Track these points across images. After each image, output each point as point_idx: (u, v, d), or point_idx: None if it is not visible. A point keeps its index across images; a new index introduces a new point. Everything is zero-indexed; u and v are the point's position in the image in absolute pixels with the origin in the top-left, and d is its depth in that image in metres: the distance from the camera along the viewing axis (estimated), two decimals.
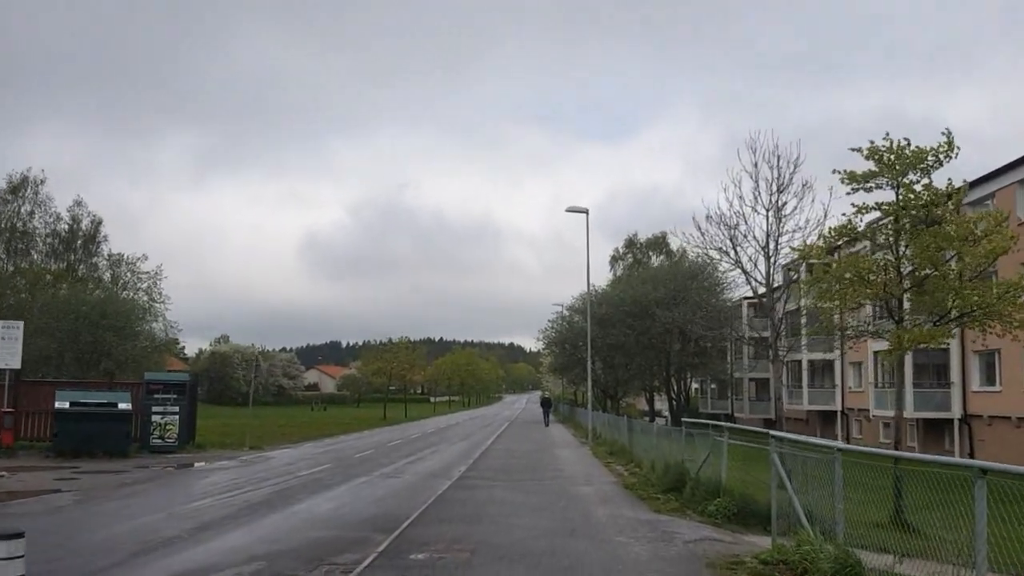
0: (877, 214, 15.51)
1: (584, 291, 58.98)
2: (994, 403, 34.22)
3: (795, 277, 20.18)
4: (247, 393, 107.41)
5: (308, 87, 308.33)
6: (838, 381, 50.20)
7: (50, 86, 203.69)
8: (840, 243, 16.32)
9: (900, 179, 14.48)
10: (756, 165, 21.42)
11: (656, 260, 75.49)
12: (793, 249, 16.78)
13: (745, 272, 21.75)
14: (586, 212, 34.50)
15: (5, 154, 72.67)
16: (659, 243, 78.38)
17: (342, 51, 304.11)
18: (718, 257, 22.02)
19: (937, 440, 38.52)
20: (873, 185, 14.70)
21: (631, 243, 79.94)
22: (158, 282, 50.13)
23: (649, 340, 53.82)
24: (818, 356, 46.50)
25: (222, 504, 14.72)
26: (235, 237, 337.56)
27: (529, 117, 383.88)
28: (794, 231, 21.07)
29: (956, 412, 36.83)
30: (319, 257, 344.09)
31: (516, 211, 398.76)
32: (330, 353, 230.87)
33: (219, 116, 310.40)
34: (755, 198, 21.64)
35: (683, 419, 15.89)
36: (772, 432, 10.36)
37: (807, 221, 20.75)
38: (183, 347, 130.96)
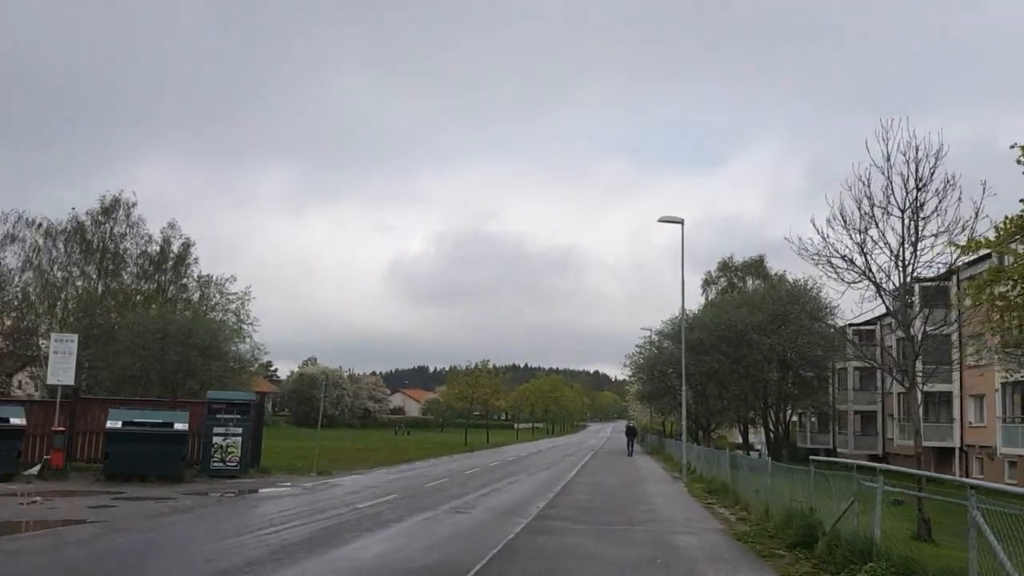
0: None
1: (674, 316, 55.96)
2: None
3: (954, 279, 16.38)
4: (332, 415, 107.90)
5: (399, 124, 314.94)
6: (956, 415, 45.52)
7: (157, 120, 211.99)
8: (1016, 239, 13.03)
9: None
10: (889, 158, 18.34)
11: (752, 285, 71.60)
12: (954, 245, 13.42)
13: (876, 284, 18.58)
14: (681, 222, 31.62)
15: (112, 184, 73.72)
16: (756, 267, 74.48)
17: (435, 89, 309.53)
18: (844, 266, 18.87)
19: None
20: None
21: (725, 266, 76.13)
22: (246, 303, 49.87)
23: (745, 368, 50.34)
24: (935, 388, 42.07)
25: (254, 544, 12.46)
26: (328, 265, 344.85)
27: (614, 148, 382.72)
28: (936, 234, 17.91)
29: None
30: (409, 285, 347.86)
31: (600, 241, 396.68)
32: (416, 378, 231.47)
33: (316, 151, 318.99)
34: (887, 198, 18.56)
35: (811, 458, 12.87)
36: (969, 481, 7.49)
37: (953, 223, 17.57)
38: (275, 369, 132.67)
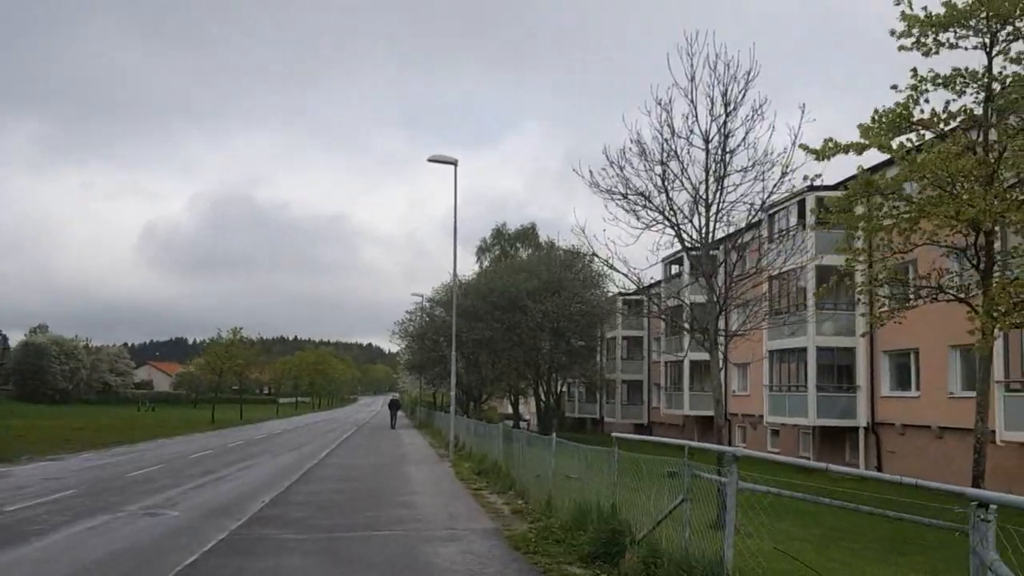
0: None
1: (447, 282, 52.79)
2: (909, 409, 29.90)
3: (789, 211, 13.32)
4: (65, 389, 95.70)
5: (156, 82, 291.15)
6: (713, 383, 45.56)
7: None
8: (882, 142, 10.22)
9: (995, 31, 8.71)
10: (693, 78, 15.39)
11: (525, 253, 69.86)
12: (806, 149, 10.48)
13: (675, 225, 15.69)
14: (454, 163, 27.91)
15: None
16: (528, 235, 72.84)
17: (198, 49, 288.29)
18: (641, 204, 15.81)
19: (837, 451, 34.14)
20: (947, 40, 8.91)
21: (499, 234, 73.85)
22: None
23: (519, 336, 47.89)
24: (703, 356, 41.57)
25: None
26: (76, 231, 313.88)
27: (388, 121, 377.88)
28: (744, 169, 15.23)
29: (862, 420, 32.44)
30: (167, 254, 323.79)
31: (374, 213, 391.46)
32: (174, 351, 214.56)
33: (61, 106, 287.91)
34: (688, 127, 15.66)
35: (616, 435, 9.43)
36: (981, 493, 4.23)
37: (766, 154, 14.93)
38: (4, 337, 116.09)
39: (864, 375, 32.48)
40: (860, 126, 9.01)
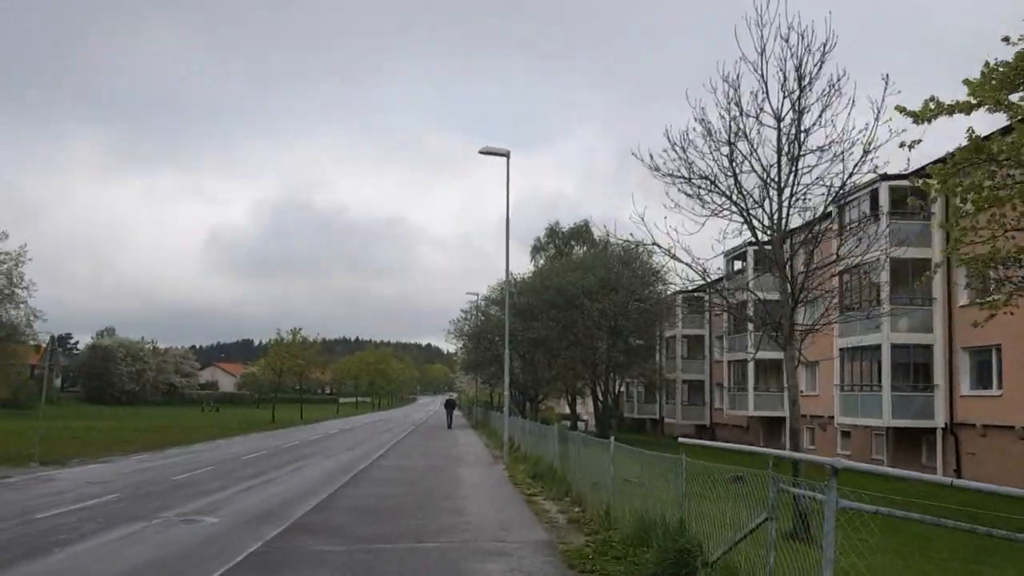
0: None
1: (502, 280, 51.92)
2: (991, 409, 28.03)
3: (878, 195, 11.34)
4: (132, 391, 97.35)
5: (216, 88, 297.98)
6: (788, 383, 43.70)
7: None
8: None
9: None
10: (763, 51, 14.14)
11: (579, 251, 68.48)
12: (902, 110, 9.00)
13: (743, 211, 14.47)
14: (507, 155, 26.97)
15: None
16: (582, 233, 71.15)
17: (259, 53, 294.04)
18: (706, 188, 14.63)
19: (912, 454, 32.32)
20: None
21: (553, 232, 72.49)
22: (20, 264, 41.40)
23: (575, 335, 46.77)
24: (768, 355, 39.97)
25: None
26: (142, 235, 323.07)
27: (441, 123, 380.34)
28: (821, 148, 13.95)
29: (940, 420, 30.59)
30: (232, 257, 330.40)
31: (432, 214, 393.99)
32: (240, 352, 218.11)
33: (126, 112, 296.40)
34: (759, 104, 14.41)
35: (681, 439, 8.34)
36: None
37: (845, 132, 13.61)
38: (75, 342, 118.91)
39: (942, 373, 30.65)
40: (967, 81, 7.78)
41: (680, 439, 8.54)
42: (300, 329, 68.15)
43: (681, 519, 8.67)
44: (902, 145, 8.14)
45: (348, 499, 16.44)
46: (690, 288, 18.89)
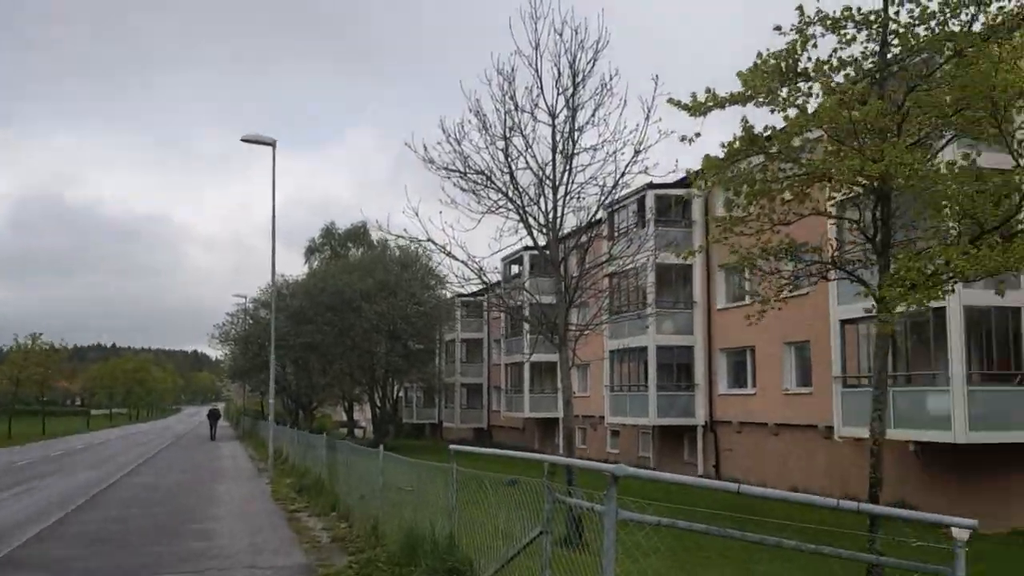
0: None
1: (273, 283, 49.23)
2: (746, 407, 29.83)
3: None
4: None
5: None
6: (563, 383, 44.48)
7: None
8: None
9: None
10: (537, 45, 13.83)
11: (357, 253, 66.70)
12: (674, 103, 8.64)
13: (520, 208, 14.06)
14: (272, 144, 25.23)
15: None
16: (359, 234, 69.05)
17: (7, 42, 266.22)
18: (482, 183, 14.07)
19: (676, 450, 33.88)
20: None
21: (329, 233, 70.11)
22: None
23: (352, 340, 45.30)
24: (543, 357, 40.62)
25: None
26: None
27: (213, 121, 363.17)
28: (594, 148, 13.82)
29: (700, 418, 32.21)
30: None
31: (201, 218, 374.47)
32: None
33: None
34: (533, 99, 14.09)
35: (452, 447, 7.55)
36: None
37: (614, 134, 13.59)
38: None
39: (702, 373, 32.30)
40: (740, 73, 7.70)
41: (451, 446, 7.78)
42: (40, 334, 61.48)
43: (451, 533, 7.90)
44: (683, 139, 7.91)
45: (80, 525, 14.33)
46: (467, 290, 18.31)
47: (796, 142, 7.82)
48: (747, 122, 7.72)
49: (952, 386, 18.82)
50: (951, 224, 7.23)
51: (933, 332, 18.69)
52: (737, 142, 7.73)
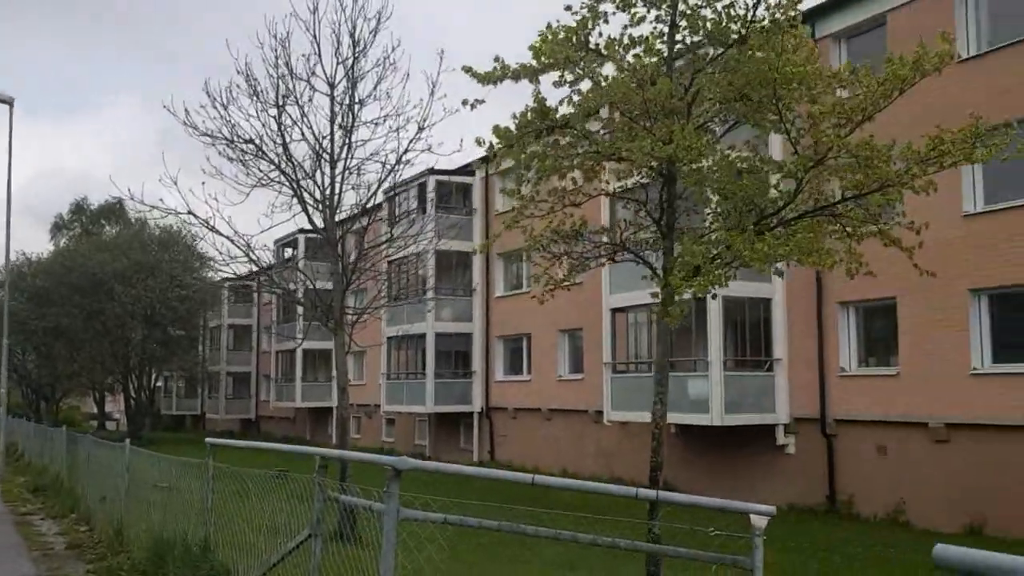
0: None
1: (14, 260, 44.08)
2: (522, 393, 30.31)
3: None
4: None
5: None
6: (338, 369, 43.05)
7: None
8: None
9: None
10: (316, 9, 12.98)
11: (112, 232, 61.16)
12: (471, 73, 8.01)
13: (294, 182, 13.12)
14: (10, 102, 22.20)
15: None
16: (115, 211, 62.97)
17: None
18: (252, 153, 12.97)
19: (452, 437, 33.92)
20: None
21: (79, 208, 63.57)
22: None
23: (104, 324, 41.61)
24: (317, 344, 39.28)
25: None
26: None
27: None
28: (378, 121, 13.17)
29: (477, 405, 32.41)
30: None
31: None
32: None
33: None
34: (311, 67, 13.23)
35: (209, 441, 6.65)
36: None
37: (397, 109, 13.03)
38: None
39: (480, 360, 32.47)
40: (533, 46, 7.37)
41: (208, 440, 6.90)
42: None
43: (206, 538, 7.02)
44: (465, 103, 7.48)
45: None
46: (235, 270, 16.91)
47: (592, 125, 7.64)
48: (539, 93, 7.42)
49: (711, 372, 19.93)
50: (730, 209, 7.34)
51: (695, 320, 19.66)
52: (529, 113, 7.42)
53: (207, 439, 7.17)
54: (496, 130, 7.46)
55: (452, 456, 33.06)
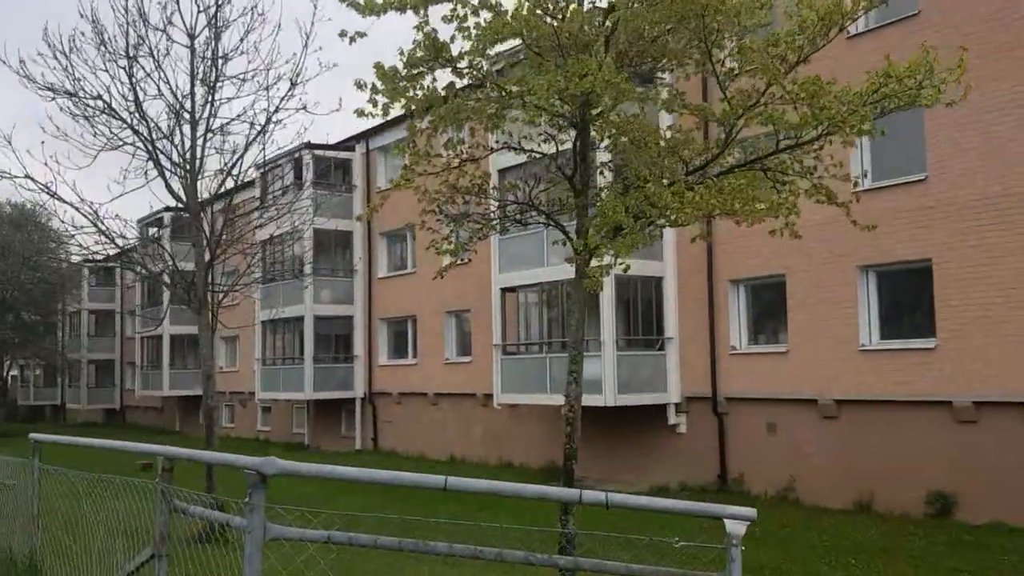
0: None
1: None
2: (407, 378, 29.25)
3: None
4: None
5: None
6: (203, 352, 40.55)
7: None
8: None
9: None
10: None
11: None
12: (350, 3, 6.74)
13: (149, 143, 11.64)
14: None
15: None
16: None
17: None
18: (99, 110, 11.40)
19: (333, 425, 32.54)
20: None
21: None
22: None
23: None
24: (186, 330, 37.07)
25: None
26: None
27: None
28: (243, 78, 11.84)
29: (360, 391, 31.15)
30: None
31: None
32: None
33: None
34: (168, 15, 11.77)
35: (33, 436, 5.42)
36: None
37: (267, 64, 11.76)
38: None
39: (362, 344, 31.17)
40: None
41: (32, 436, 5.66)
42: None
43: (32, 554, 5.76)
44: (343, 35, 6.40)
45: None
46: (84, 244, 15.12)
47: (493, 64, 6.68)
48: (427, 22, 6.37)
49: (603, 352, 19.42)
50: (653, 160, 6.56)
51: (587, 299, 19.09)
52: (418, 49, 6.40)
53: (31, 435, 5.91)
54: (379, 70, 6.42)
55: (333, 444, 31.72)
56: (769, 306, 19.00)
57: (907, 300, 16.66)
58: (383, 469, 4.30)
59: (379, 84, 6.47)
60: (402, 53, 6.54)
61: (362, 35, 6.40)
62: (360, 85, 6.43)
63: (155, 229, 41.65)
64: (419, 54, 6.44)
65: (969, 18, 15.19)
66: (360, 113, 6.58)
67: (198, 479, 11.43)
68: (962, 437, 15.15)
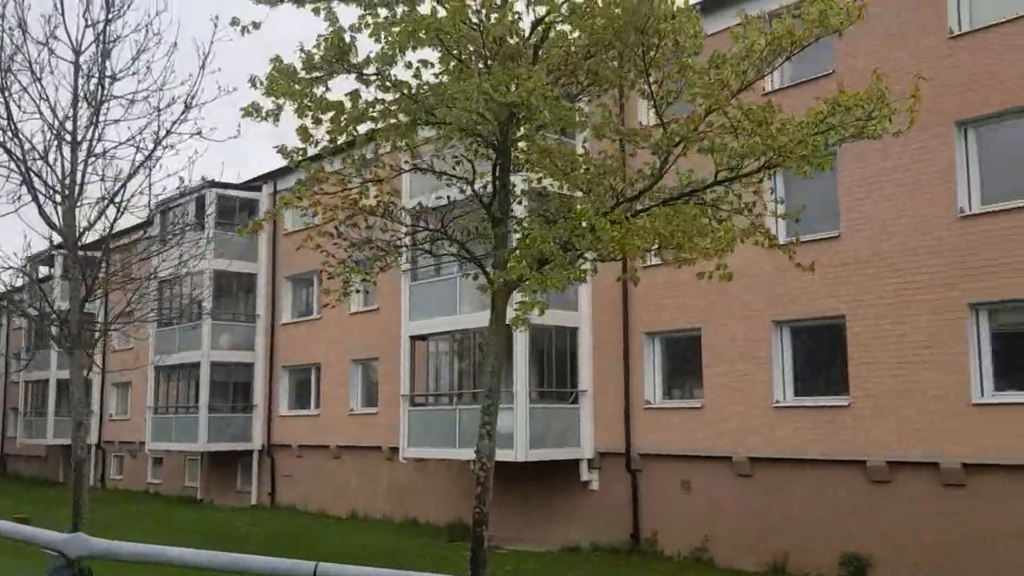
0: None
1: None
2: (309, 429, 27.86)
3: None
4: None
5: None
6: (95, 407, 38.12)
7: None
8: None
9: None
10: None
11: None
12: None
13: (22, 164, 10.54)
14: None
15: None
16: None
17: None
18: None
19: (229, 478, 30.76)
20: None
21: None
22: None
23: None
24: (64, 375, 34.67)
25: None
26: None
27: None
28: (134, 97, 10.91)
29: (258, 442, 29.55)
30: None
31: None
32: None
33: None
34: (51, 27, 10.82)
35: None
36: None
37: (160, 84, 10.86)
38: None
39: (262, 393, 29.66)
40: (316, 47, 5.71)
41: None
42: None
43: None
44: (235, 23, 5.67)
45: None
46: None
47: (406, 75, 5.96)
48: (337, 21, 5.63)
49: (516, 404, 18.70)
50: (584, 188, 5.96)
51: None
52: (321, 47, 5.67)
53: None
54: (276, 65, 5.65)
55: (228, 498, 29.94)
56: (684, 360, 18.63)
57: (822, 356, 16.50)
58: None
59: (276, 76, 5.68)
60: (302, 50, 5.80)
61: (256, 25, 5.65)
62: (254, 83, 5.66)
63: (48, 268, 39.39)
64: (321, 54, 5.70)
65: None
66: (248, 112, 5.81)
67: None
68: (876, 498, 14.91)
